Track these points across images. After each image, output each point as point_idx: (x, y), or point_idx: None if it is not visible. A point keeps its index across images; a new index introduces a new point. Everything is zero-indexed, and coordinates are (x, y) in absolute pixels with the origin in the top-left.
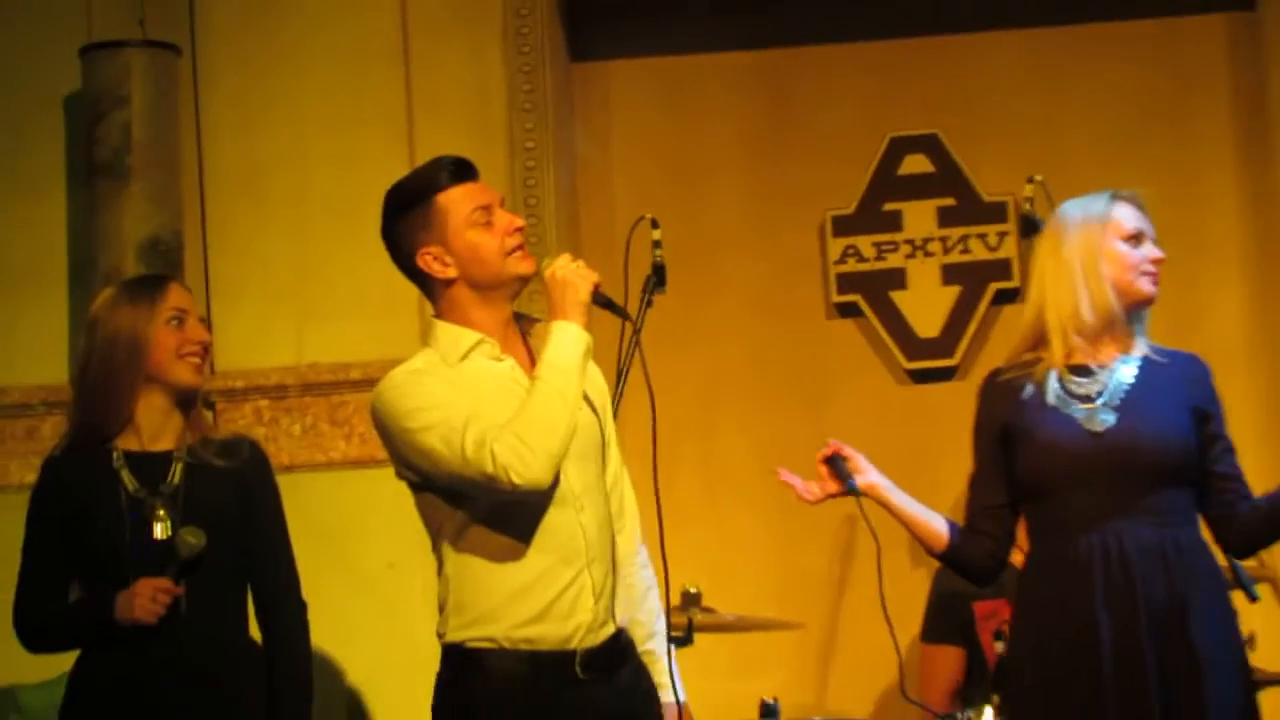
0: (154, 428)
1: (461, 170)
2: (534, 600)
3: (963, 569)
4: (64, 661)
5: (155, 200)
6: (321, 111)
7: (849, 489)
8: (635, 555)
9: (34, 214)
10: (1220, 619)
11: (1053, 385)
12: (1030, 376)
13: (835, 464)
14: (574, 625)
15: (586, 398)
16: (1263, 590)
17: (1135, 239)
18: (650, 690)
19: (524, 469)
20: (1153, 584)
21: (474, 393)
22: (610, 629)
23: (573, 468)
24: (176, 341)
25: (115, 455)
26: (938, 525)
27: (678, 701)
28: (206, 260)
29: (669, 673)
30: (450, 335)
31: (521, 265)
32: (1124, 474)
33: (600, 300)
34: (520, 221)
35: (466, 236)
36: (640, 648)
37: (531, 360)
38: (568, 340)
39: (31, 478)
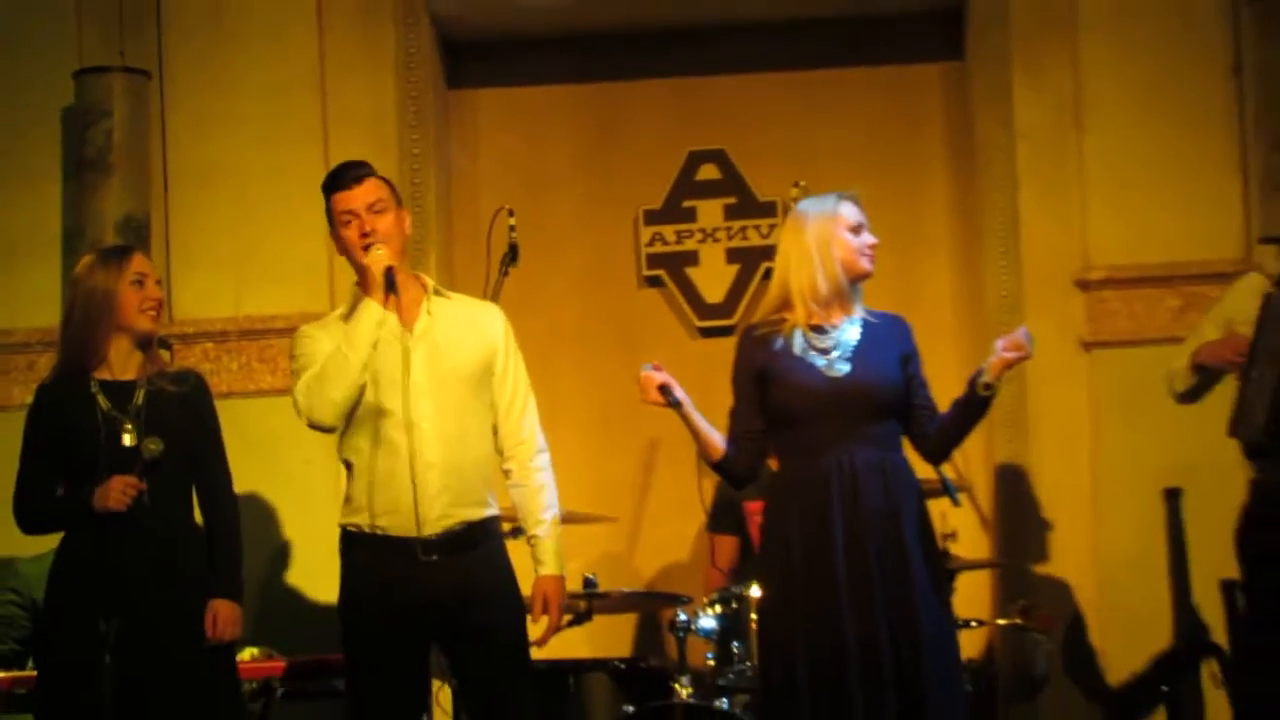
0: (121, 363)
1: (341, 180)
2: (382, 497)
3: (728, 475)
4: (53, 540)
5: (129, 189)
6: (257, 124)
7: (673, 402)
8: (530, 461)
9: (36, 197)
10: (921, 520)
11: (798, 340)
12: (779, 332)
13: (665, 390)
14: (414, 519)
15: (451, 342)
16: (963, 498)
17: (856, 229)
18: (499, 570)
19: (310, 410)
20: (873, 494)
21: (351, 341)
22: (450, 521)
23: (419, 397)
24: (138, 298)
25: (93, 383)
26: (718, 440)
27: (550, 575)
28: (168, 235)
29: (547, 552)
30: (349, 296)
31: (365, 256)
32: (855, 409)
33: (388, 281)
34: (369, 227)
35: (339, 231)
36: (529, 532)
37: (410, 314)
38: (361, 315)
39: (32, 399)
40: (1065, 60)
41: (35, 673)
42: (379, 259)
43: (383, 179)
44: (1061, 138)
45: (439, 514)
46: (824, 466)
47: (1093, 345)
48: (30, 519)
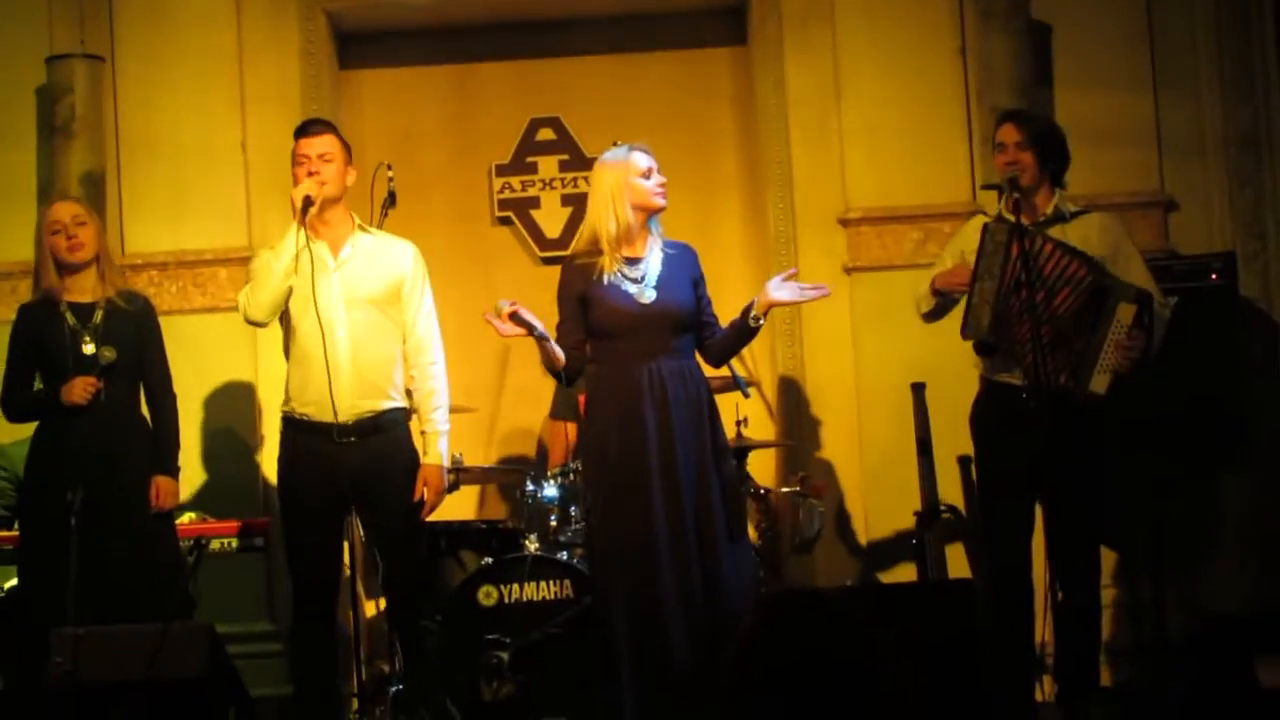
0: (82, 288)
1: (305, 130)
2: (306, 388)
3: (562, 377)
4: (30, 429)
5: (89, 150)
6: (189, 98)
7: (538, 334)
8: (425, 369)
9: (16, 157)
10: (713, 413)
11: (612, 270)
12: (596, 263)
13: (521, 318)
14: (328, 408)
15: (366, 268)
16: (752, 391)
17: (647, 174)
18: (400, 450)
19: (245, 309)
20: (677, 394)
21: (277, 254)
22: (361, 409)
23: (335, 311)
24: (64, 243)
25: (62, 304)
26: (559, 353)
27: (432, 463)
28: (120, 186)
29: (431, 444)
30: (264, 233)
31: (297, 190)
32: (662, 328)
33: (301, 208)
34: (314, 168)
35: (293, 168)
36: (421, 427)
37: (337, 244)
38: (286, 235)
39: (14, 316)
40: (827, 43)
41: (17, 533)
42: (298, 191)
43: (339, 138)
44: (825, 105)
45: (348, 405)
46: (636, 373)
47: (853, 270)
48: (14, 410)
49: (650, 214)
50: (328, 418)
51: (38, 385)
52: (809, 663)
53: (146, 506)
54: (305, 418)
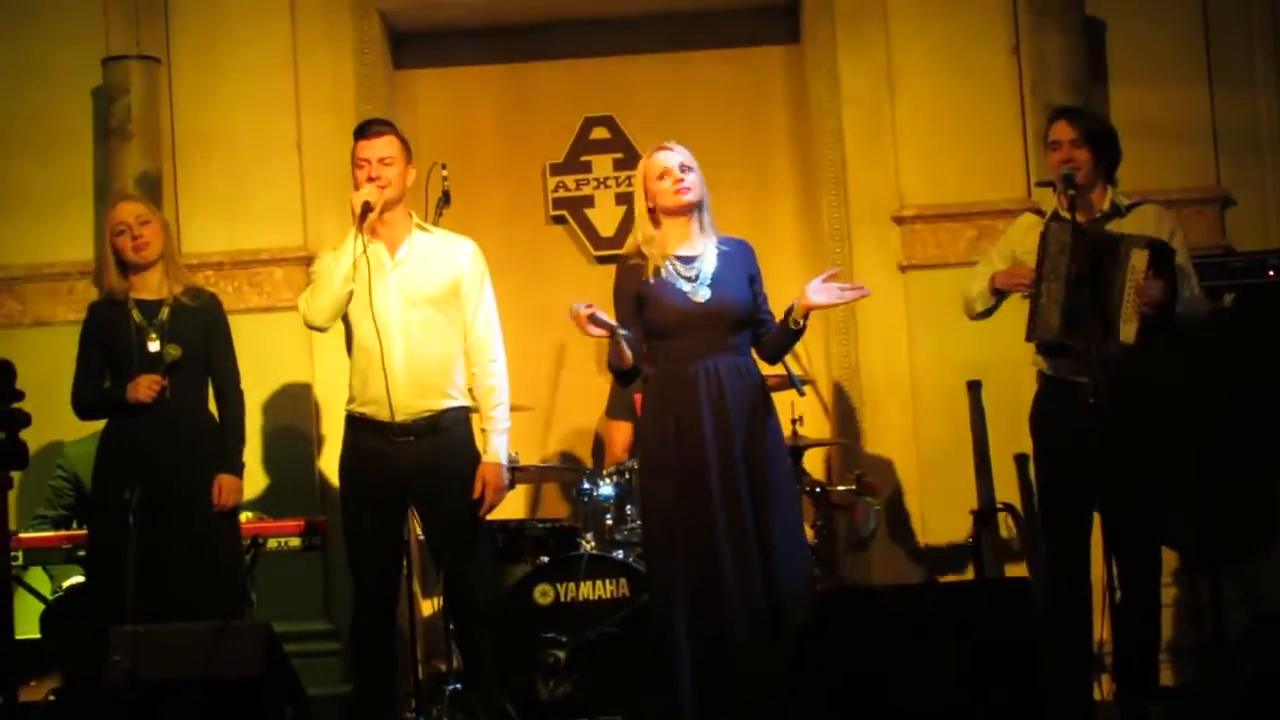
0: (149, 286)
1: (364, 131)
2: (366, 388)
3: (625, 378)
4: (90, 425)
5: (145, 151)
6: (244, 99)
7: (618, 333)
8: (485, 367)
9: (74, 158)
10: (769, 410)
11: (667, 268)
12: (649, 263)
13: (599, 319)
14: (386, 408)
15: (424, 268)
16: (807, 390)
17: (661, 175)
18: (458, 449)
19: (306, 314)
20: (734, 392)
21: (336, 258)
22: (417, 410)
23: (392, 311)
24: (128, 244)
25: (129, 301)
26: (629, 352)
27: (492, 461)
28: (176, 187)
29: (490, 442)
30: (320, 234)
31: (356, 196)
32: (717, 325)
33: (360, 214)
34: (375, 173)
35: (353, 172)
36: (482, 425)
37: (395, 244)
38: (345, 240)
39: (71, 317)
40: (880, 41)
41: (80, 532)
42: (357, 197)
43: (399, 137)
44: (878, 103)
45: (405, 404)
46: (693, 371)
47: (907, 268)
48: (82, 407)
49: (683, 212)
50: (386, 417)
51: (109, 384)
52: (865, 661)
53: (210, 504)
54: (365, 417)
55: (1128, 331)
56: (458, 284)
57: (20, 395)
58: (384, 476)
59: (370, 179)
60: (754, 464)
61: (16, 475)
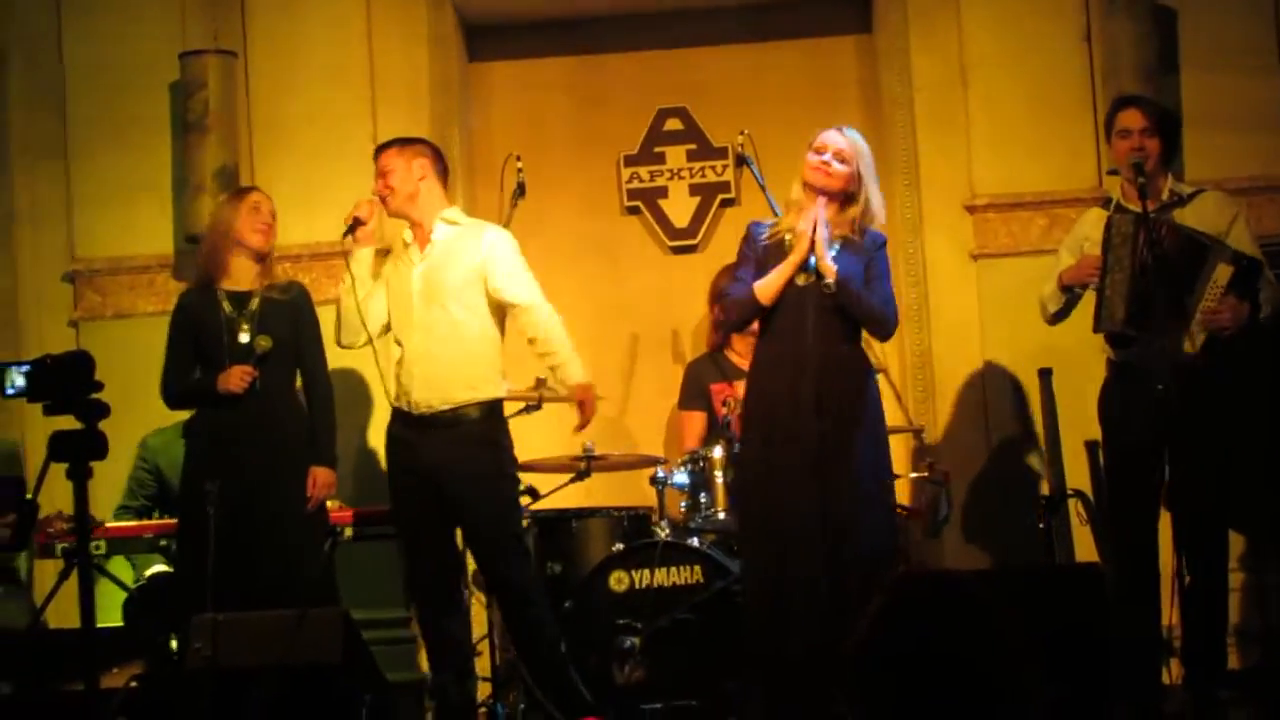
0: (241, 277)
1: (378, 150)
2: (398, 383)
3: (744, 321)
4: (173, 416)
5: (223, 145)
6: (319, 91)
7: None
8: (536, 320)
9: (152, 152)
10: (874, 392)
11: (787, 243)
12: (777, 235)
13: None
14: (413, 400)
15: (446, 262)
16: (880, 378)
17: (817, 149)
18: (477, 447)
19: (336, 338)
20: (835, 371)
21: (348, 286)
22: (439, 404)
23: (414, 308)
24: (252, 219)
25: (219, 292)
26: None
27: (582, 384)
28: (253, 180)
29: (565, 372)
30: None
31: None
32: (820, 307)
33: (350, 227)
34: (379, 187)
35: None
36: (553, 365)
37: (425, 242)
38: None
39: (151, 309)
40: (951, 30)
41: (161, 522)
42: (348, 213)
43: (395, 148)
44: (950, 92)
45: (427, 398)
46: (800, 348)
47: (979, 256)
48: (173, 397)
49: (820, 192)
50: (410, 409)
51: (198, 374)
52: (934, 644)
53: (301, 494)
54: (398, 409)
55: (1193, 342)
56: (480, 270)
57: (99, 386)
58: (416, 468)
59: (381, 189)
60: (847, 448)
61: (97, 465)
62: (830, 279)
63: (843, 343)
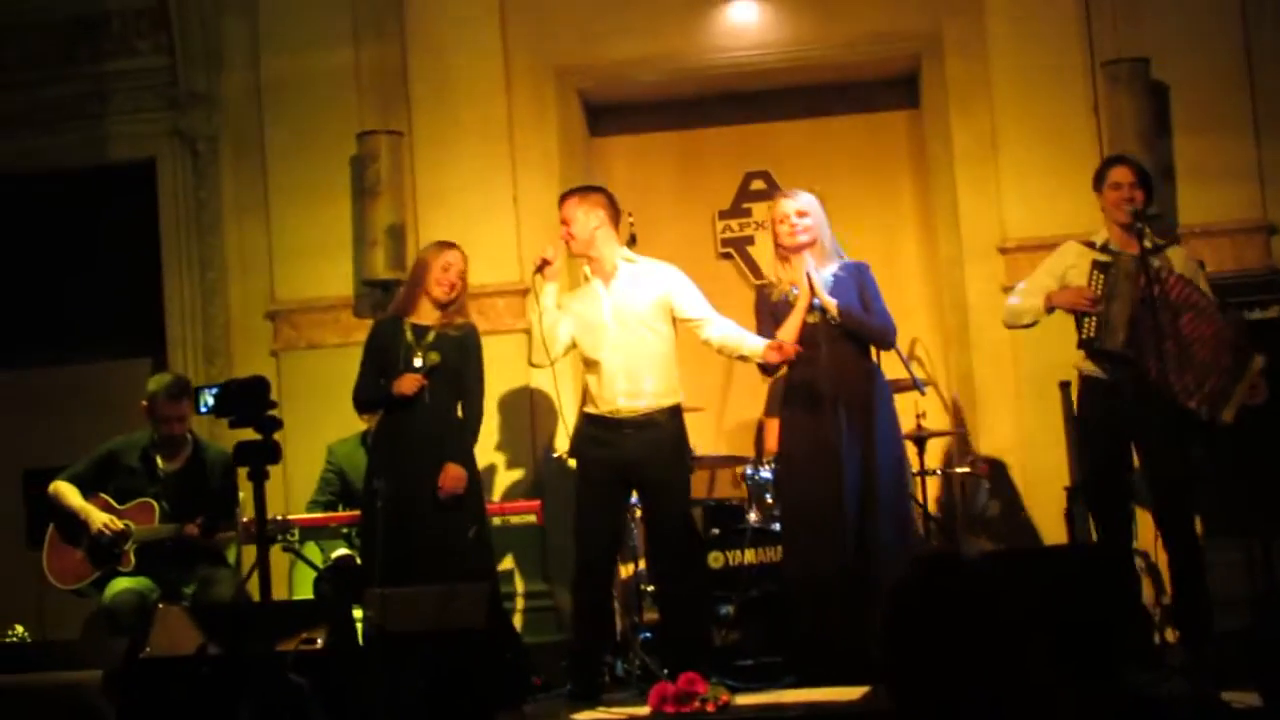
0: (426, 314)
1: (562, 197)
2: (595, 393)
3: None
4: (354, 427)
5: (392, 207)
6: (470, 162)
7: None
8: (718, 325)
9: (335, 213)
10: (890, 402)
11: (792, 293)
12: (779, 290)
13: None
14: (611, 406)
15: (629, 293)
16: (929, 390)
17: (782, 220)
18: (667, 443)
19: (530, 360)
20: (856, 388)
21: (539, 314)
22: (634, 410)
23: (616, 331)
24: (441, 277)
25: (405, 324)
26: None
27: (777, 339)
28: (419, 235)
29: (750, 340)
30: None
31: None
32: (829, 336)
33: (539, 267)
34: (563, 233)
35: None
36: (748, 351)
37: (609, 276)
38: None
39: (336, 341)
40: (984, 105)
41: (343, 514)
42: (537, 255)
43: (576, 196)
44: (984, 155)
45: (620, 405)
46: (815, 372)
47: (1010, 289)
48: (359, 402)
49: (798, 249)
50: (611, 414)
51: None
52: (951, 617)
53: (464, 494)
54: (596, 415)
55: (1229, 414)
56: (665, 300)
57: (273, 404)
58: (609, 463)
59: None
60: (867, 445)
61: (293, 467)
62: (833, 312)
63: (851, 359)
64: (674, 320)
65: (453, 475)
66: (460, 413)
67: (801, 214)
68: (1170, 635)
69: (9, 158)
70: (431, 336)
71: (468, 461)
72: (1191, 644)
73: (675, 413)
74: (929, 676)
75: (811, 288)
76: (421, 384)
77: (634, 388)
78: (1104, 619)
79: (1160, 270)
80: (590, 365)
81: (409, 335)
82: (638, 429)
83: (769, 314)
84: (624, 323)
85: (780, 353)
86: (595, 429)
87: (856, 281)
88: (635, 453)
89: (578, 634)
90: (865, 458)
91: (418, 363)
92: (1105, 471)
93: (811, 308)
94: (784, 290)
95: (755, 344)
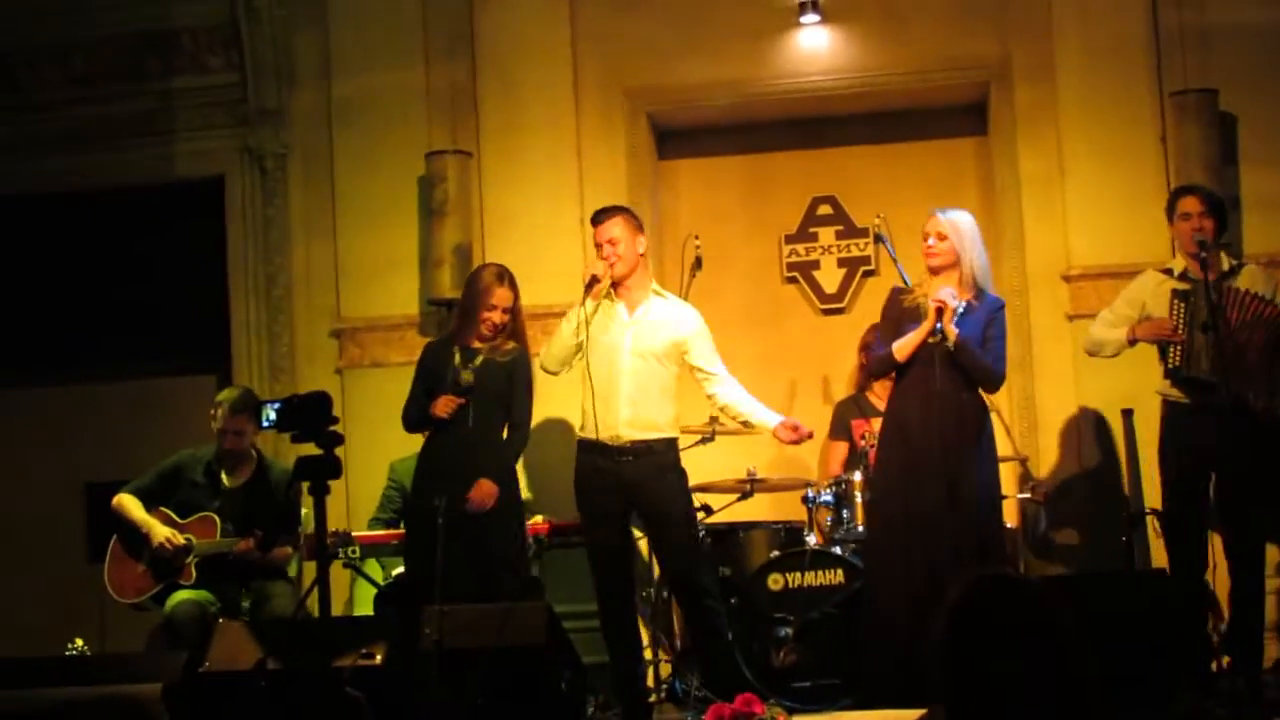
0: (473, 338)
1: (595, 218)
2: (595, 418)
3: (884, 372)
4: (413, 445)
5: (460, 227)
6: (537, 185)
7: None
8: (727, 387)
9: (404, 233)
10: (989, 429)
11: (922, 305)
12: (913, 299)
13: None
14: (612, 432)
15: (653, 327)
16: (993, 417)
17: (923, 238)
18: (667, 471)
19: (542, 362)
20: (953, 413)
21: (569, 319)
22: (631, 437)
23: (631, 360)
24: (486, 314)
25: (455, 346)
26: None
27: (783, 421)
28: (484, 255)
29: (761, 414)
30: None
31: (587, 268)
32: (943, 362)
33: (589, 284)
34: (606, 253)
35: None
36: (751, 419)
37: (634, 305)
38: (580, 307)
39: (400, 359)
40: (1051, 133)
41: (402, 531)
42: (587, 269)
43: (625, 217)
44: (1050, 182)
45: (621, 432)
46: (928, 392)
47: (1074, 317)
48: (407, 422)
49: (935, 271)
50: (601, 439)
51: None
52: (1009, 640)
53: (502, 511)
54: (594, 441)
55: None
56: (681, 344)
57: (335, 419)
58: (609, 489)
59: (604, 257)
60: (957, 467)
61: (356, 485)
62: (951, 339)
63: (962, 389)
64: (682, 362)
65: (484, 490)
66: (505, 434)
67: (941, 236)
68: (1224, 661)
69: (79, 173)
70: (479, 360)
71: (505, 479)
72: (1244, 672)
73: (672, 444)
74: (986, 698)
75: (940, 312)
76: (456, 405)
77: (637, 416)
78: (1167, 646)
79: (1242, 293)
80: (594, 387)
81: (457, 358)
82: (636, 456)
83: (894, 318)
84: (641, 353)
85: (795, 433)
86: (593, 456)
87: (986, 317)
88: (634, 476)
89: (612, 657)
90: (969, 481)
91: (462, 381)
92: (1184, 496)
93: (935, 330)
94: (917, 300)
95: (765, 418)
